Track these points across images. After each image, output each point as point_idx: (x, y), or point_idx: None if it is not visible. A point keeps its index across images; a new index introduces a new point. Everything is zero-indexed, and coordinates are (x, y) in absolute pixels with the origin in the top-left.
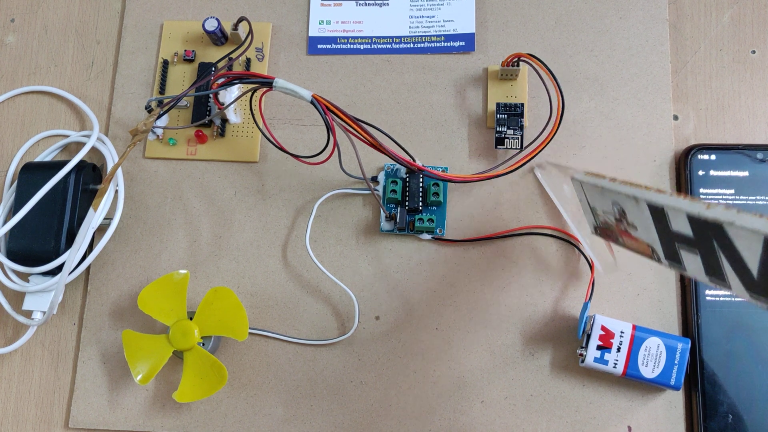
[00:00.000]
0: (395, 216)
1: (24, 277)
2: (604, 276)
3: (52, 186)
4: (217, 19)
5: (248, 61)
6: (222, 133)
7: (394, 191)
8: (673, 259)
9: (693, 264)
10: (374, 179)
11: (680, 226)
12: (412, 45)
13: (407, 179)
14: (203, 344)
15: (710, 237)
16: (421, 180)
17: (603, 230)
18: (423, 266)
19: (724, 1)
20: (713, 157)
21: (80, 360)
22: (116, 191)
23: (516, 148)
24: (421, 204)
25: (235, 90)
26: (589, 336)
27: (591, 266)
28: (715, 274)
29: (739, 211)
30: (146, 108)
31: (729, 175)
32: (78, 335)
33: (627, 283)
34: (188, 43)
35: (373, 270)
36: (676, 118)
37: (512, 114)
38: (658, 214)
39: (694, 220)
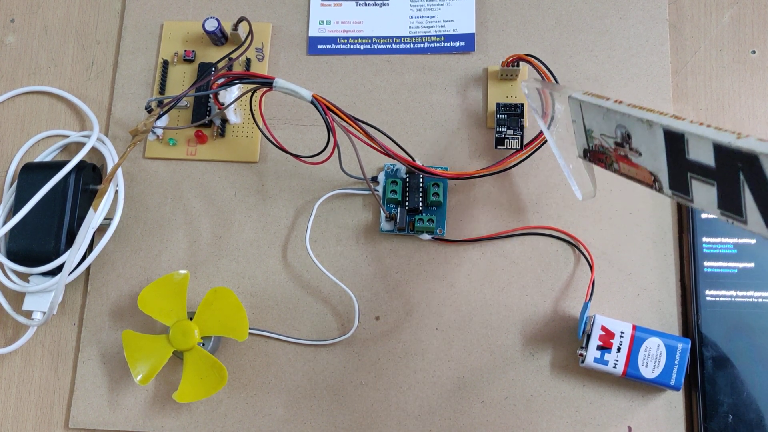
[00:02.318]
0: (395, 216)
1: (24, 277)
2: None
3: (52, 186)
4: (217, 20)
5: (248, 61)
6: (222, 134)
7: (394, 191)
8: (680, 190)
9: (704, 195)
10: (374, 179)
11: (700, 155)
12: (412, 45)
13: (407, 179)
14: (203, 344)
15: (737, 168)
16: (421, 180)
17: (595, 154)
18: (423, 266)
19: (724, 2)
20: None
21: (80, 360)
22: (116, 191)
23: (516, 149)
24: (421, 204)
25: (235, 90)
26: (589, 336)
27: (591, 266)
28: (730, 208)
29: None
30: (146, 108)
31: None
32: (78, 335)
33: (627, 283)
34: (188, 44)
35: (373, 270)
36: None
37: (512, 114)
38: (675, 141)
39: (721, 150)
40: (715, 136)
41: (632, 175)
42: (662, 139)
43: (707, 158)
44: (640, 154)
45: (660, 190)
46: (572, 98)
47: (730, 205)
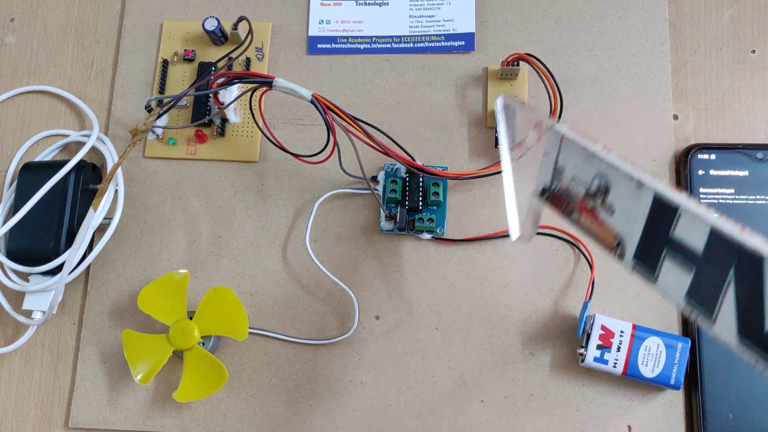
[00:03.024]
0: (395, 216)
1: (24, 276)
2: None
3: (52, 186)
4: (216, 19)
5: (248, 60)
6: (222, 133)
7: (394, 191)
8: (646, 263)
9: (674, 278)
10: (374, 179)
11: (690, 236)
12: (411, 45)
13: (407, 179)
14: (203, 344)
15: (730, 263)
16: (421, 179)
17: (555, 197)
18: (423, 266)
19: (724, 1)
20: (713, 156)
21: (80, 360)
22: (116, 191)
23: None
24: (421, 203)
25: (235, 89)
26: (589, 335)
27: (591, 266)
28: (701, 301)
29: None
30: (146, 108)
31: (729, 174)
32: (78, 335)
33: (627, 282)
34: (188, 43)
35: (373, 269)
36: (676, 117)
37: None
38: (664, 212)
39: (718, 239)
40: (717, 223)
41: (592, 231)
42: (649, 204)
43: (697, 241)
44: (612, 213)
45: (619, 257)
46: (554, 130)
47: (703, 297)
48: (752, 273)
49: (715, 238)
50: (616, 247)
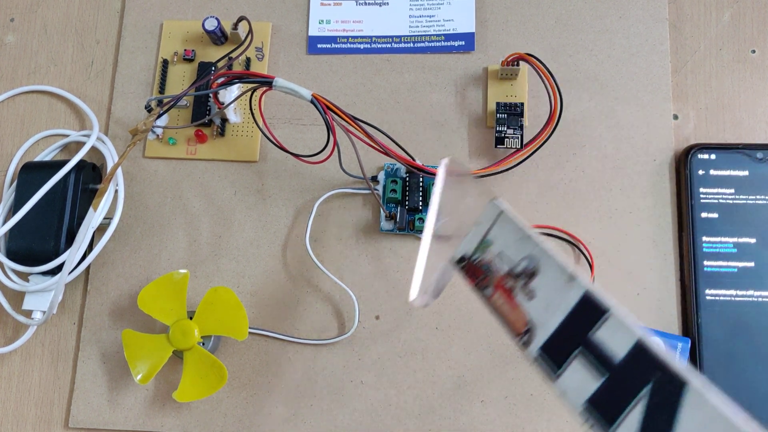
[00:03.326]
0: (395, 215)
1: (24, 276)
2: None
3: (52, 186)
4: (216, 19)
5: (248, 60)
6: (222, 133)
7: (394, 191)
8: (551, 357)
9: (579, 379)
10: (374, 179)
11: (612, 342)
12: (411, 44)
13: (407, 179)
14: (203, 344)
15: (648, 380)
16: (421, 179)
17: (472, 267)
18: None
19: (724, 1)
20: (713, 156)
21: (80, 360)
22: (116, 191)
23: (516, 148)
24: (421, 203)
25: (235, 89)
26: None
27: (591, 266)
28: (603, 410)
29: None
30: (146, 107)
31: (729, 174)
32: (78, 335)
33: (627, 282)
34: (188, 43)
35: (373, 269)
36: (676, 117)
37: (512, 113)
38: (591, 312)
39: (644, 353)
40: (646, 338)
41: (502, 311)
42: (576, 300)
43: (617, 349)
44: (532, 298)
45: (524, 344)
46: (494, 204)
47: (606, 408)
48: (669, 396)
49: (639, 351)
50: (523, 333)
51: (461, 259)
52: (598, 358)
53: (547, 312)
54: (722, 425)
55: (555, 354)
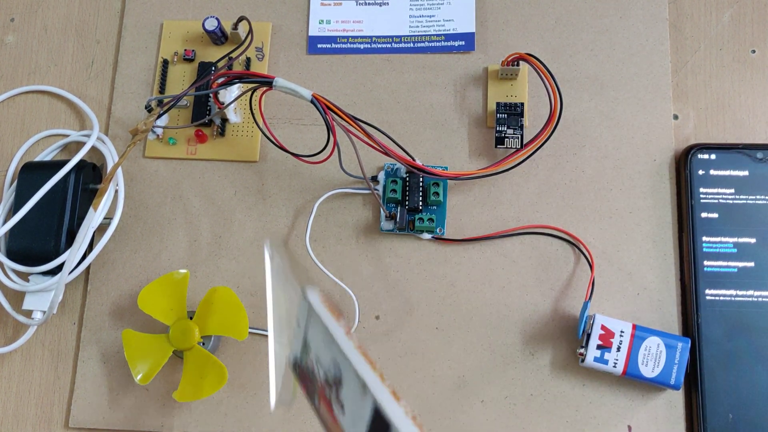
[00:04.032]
0: (395, 215)
1: (24, 276)
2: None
3: (52, 186)
4: (217, 19)
5: (248, 60)
6: (222, 133)
7: (394, 191)
8: None
9: None
10: (374, 179)
11: None
12: (412, 44)
13: (407, 179)
14: (203, 344)
15: None
16: (421, 179)
17: (303, 373)
18: (423, 266)
19: (724, 1)
20: (713, 156)
21: (80, 359)
22: (116, 191)
23: (516, 148)
24: (421, 203)
25: (235, 89)
26: (589, 335)
27: (591, 266)
28: None
29: None
30: (146, 107)
31: (729, 174)
32: (78, 335)
33: (627, 282)
34: (188, 43)
35: (373, 269)
36: (676, 117)
37: (512, 113)
38: (382, 427)
39: None
40: None
41: (327, 425)
42: (370, 413)
43: None
44: (344, 411)
45: None
46: (305, 299)
47: None
48: None
49: None
50: None
51: (295, 365)
52: None
53: (355, 427)
54: None
55: None
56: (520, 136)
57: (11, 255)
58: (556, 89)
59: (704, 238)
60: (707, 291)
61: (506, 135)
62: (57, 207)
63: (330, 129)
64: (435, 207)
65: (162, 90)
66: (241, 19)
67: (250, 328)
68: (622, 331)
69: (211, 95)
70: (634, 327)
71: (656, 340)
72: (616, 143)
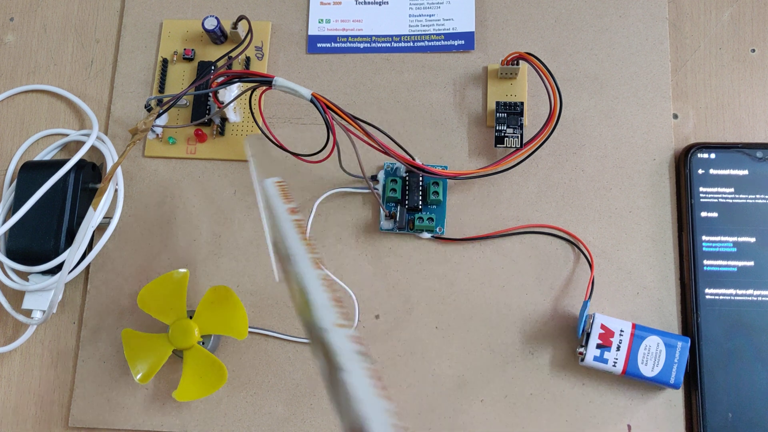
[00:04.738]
0: (395, 215)
1: (24, 276)
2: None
3: (52, 185)
4: (216, 18)
5: (248, 59)
6: (222, 132)
7: (393, 190)
8: None
9: None
10: (374, 178)
11: None
12: (411, 44)
13: (407, 178)
14: (203, 343)
15: None
16: (420, 179)
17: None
18: (423, 265)
19: (724, 0)
20: (713, 155)
21: (80, 359)
22: (116, 190)
23: (516, 147)
24: (420, 203)
25: (235, 89)
26: (588, 335)
27: (591, 265)
28: None
29: None
30: (146, 107)
31: (729, 173)
32: (78, 334)
33: (627, 281)
34: (188, 42)
35: (373, 269)
36: (675, 116)
37: (512, 113)
38: None
39: None
40: None
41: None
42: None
43: None
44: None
45: None
46: (264, 188)
47: None
48: None
49: None
50: None
51: (275, 245)
52: None
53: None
54: None
55: None
56: (519, 135)
57: (11, 254)
58: (555, 88)
59: (704, 238)
60: (707, 290)
61: (506, 134)
62: (56, 206)
63: (329, 128)
64: (435, 206)
65: (161, 89)
66: (240, 18)
67: (249, 327)
68: (621, 331)
69: (210, 95)
70: (634, 326)
71: (656, 339)
72: (616, 142)
